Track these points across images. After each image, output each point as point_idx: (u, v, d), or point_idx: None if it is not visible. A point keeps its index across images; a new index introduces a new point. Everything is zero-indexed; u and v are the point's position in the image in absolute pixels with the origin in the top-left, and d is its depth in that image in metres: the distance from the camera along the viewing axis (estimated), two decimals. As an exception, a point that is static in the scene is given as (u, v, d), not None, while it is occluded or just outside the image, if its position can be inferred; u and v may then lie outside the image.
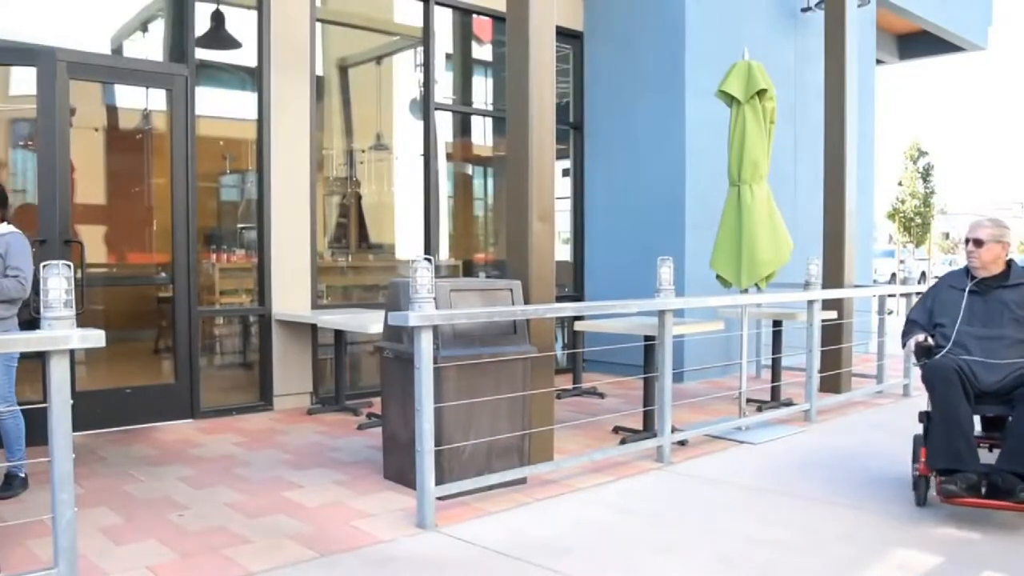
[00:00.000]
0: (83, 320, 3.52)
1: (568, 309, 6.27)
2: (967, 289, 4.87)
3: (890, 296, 10.44)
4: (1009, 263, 4.91)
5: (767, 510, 4.78)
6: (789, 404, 7.37)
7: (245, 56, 7.45)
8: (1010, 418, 4.48)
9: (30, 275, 4.78)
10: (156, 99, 7.05)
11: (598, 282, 9.87)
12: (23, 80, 6.29)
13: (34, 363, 4.90)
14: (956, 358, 4.63)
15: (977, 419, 4.66)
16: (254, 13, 7.35)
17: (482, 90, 9.97)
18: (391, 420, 5.27)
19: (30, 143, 6.43)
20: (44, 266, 3.22)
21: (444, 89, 9.17)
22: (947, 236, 61.40)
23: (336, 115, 8.73)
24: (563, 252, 9.95)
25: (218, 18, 7.35)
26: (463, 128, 9.71)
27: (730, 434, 6.52)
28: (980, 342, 4.69)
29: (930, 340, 4.85)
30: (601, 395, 8.28)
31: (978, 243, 4.87)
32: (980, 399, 4.56)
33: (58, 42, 6.34)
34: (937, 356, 4.74)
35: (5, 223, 4.93)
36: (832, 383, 7.98)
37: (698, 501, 4.99)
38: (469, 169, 10.16)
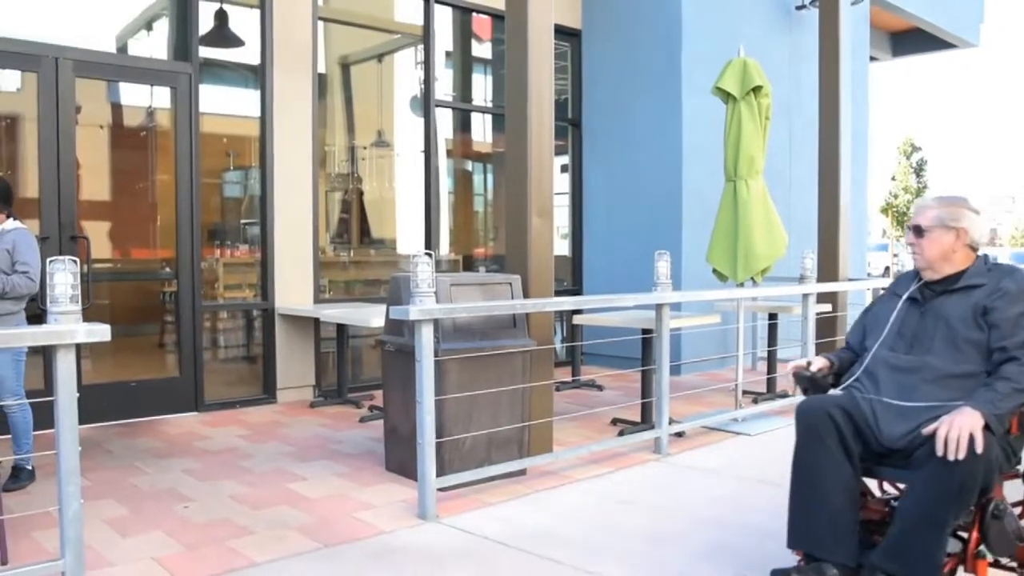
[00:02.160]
0: (89, 315, 3.48)
1: (567, 303, 6.28)
2: (904, 296, 3.44)
3: (883, 290, 10.46)
4: (982, 258, 3.40)
5: (764, 500, 4.73)
6: (784, 396, 7.42)
7: (248, 54, 7.50)
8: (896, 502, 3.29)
9: (38, 270, 4.79)
10: (160, 97, 7.08)
11: (596, 276, 9.92)
12: (29, 78, 6.34)
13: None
14: (863, 396, 3.32)
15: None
16: (257, 12, 7.40)
17: (482, 87, 10.00)
18: (392, 413, 5.29)
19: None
20: (50, 261, 3.23)
21: (444, 86, 9.21)
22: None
23: (338, 112, 8.75)
24: (562, 247, 9.98)
25: (221, 17, 7.40)
26: (463, 125, 9.74)
27: (727, 426, 6.55)
28: (895, 374, 3.27)
29: (820, 365, 3.59)
30: (599, 388, 8.30)
31: (918, 231, 3.37)
32: (884, 458, 3.21)
33: (64, 41, 6.38)
34: (837, 390, 3.49)
35: (12, 219, 4.94)
36: (827, 375, 7.99)
37: (695, 492, 4.97)
38: (469, 165, 10.19)
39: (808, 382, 3.58)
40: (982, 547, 3.05)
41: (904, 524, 2.97)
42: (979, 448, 2.83)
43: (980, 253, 3.39)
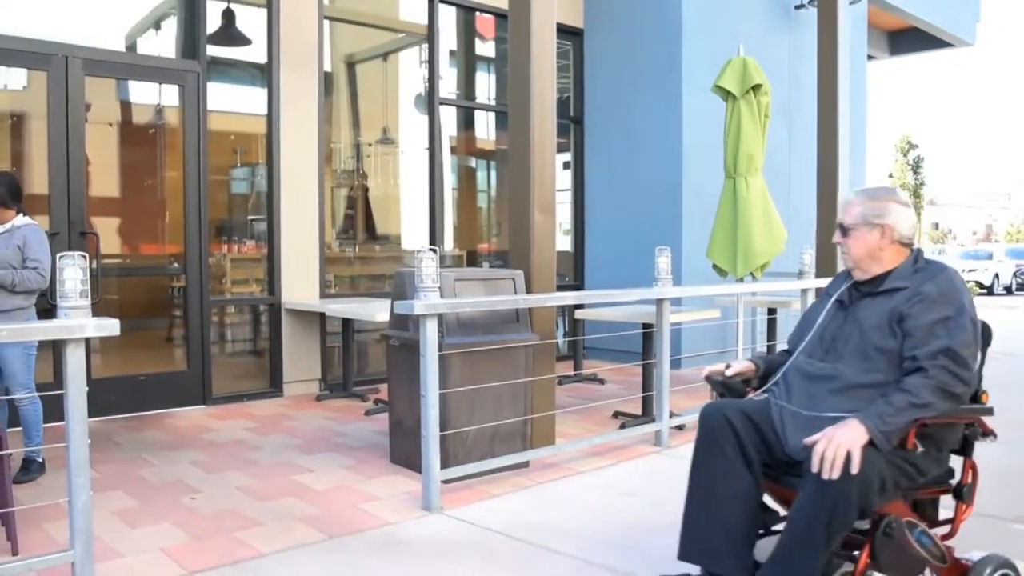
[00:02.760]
0: (98, 309, 3.52)
1: (569, 298, 6.31)
2: (834, 298, 3.23)
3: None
4: (912, 256, 3.09)
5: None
6: (783, 391, 7.46)
7: (255, 53, 7.53)
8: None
9: (48, 266, 4.81)
10: (169, 95, 7.11)
11: (598, 272, 9.96)
12: (40, 76, 6.38)
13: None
14: (775, 402, 3.14)
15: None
16: (264, 11, 7.43)
17: (485, 85, 10.04)
18: (397, 406, 5.30)
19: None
20: (60, 257, 3.23)
21: (448, 84, 9.25)
22: (936, 226, 61.19)
23: (343, 110, 8.79)
24: (564, 243, 10.02)
25: (229, 16, 7.43)
26: (467, 122, 9.79)
27: (725, 419, 6.61)
28: (806, 382, 3.07)
29: (741, 368, 3.38)
30: (601, 381, 8.32)
31: (843, 230, 3.16)
32: (791, 467, 2.97)
33: (74, 40, 6.43)
34: (758, 394, 3.30)
35: (22, 215, 4.95)
36: (825, 370, 8.02)
37: None
38: (472, 162, 10.24)
39: (721, 386, 3.40)
40: (870, 571, 2.82)
41: (784, 540, 2.78)
42: (854, 468, 2.62)
43: (915, 249, 3.14)
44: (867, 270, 3.11)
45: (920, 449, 2.86)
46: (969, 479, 3.06)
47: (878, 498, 2.76)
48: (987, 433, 3.00)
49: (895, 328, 2.93)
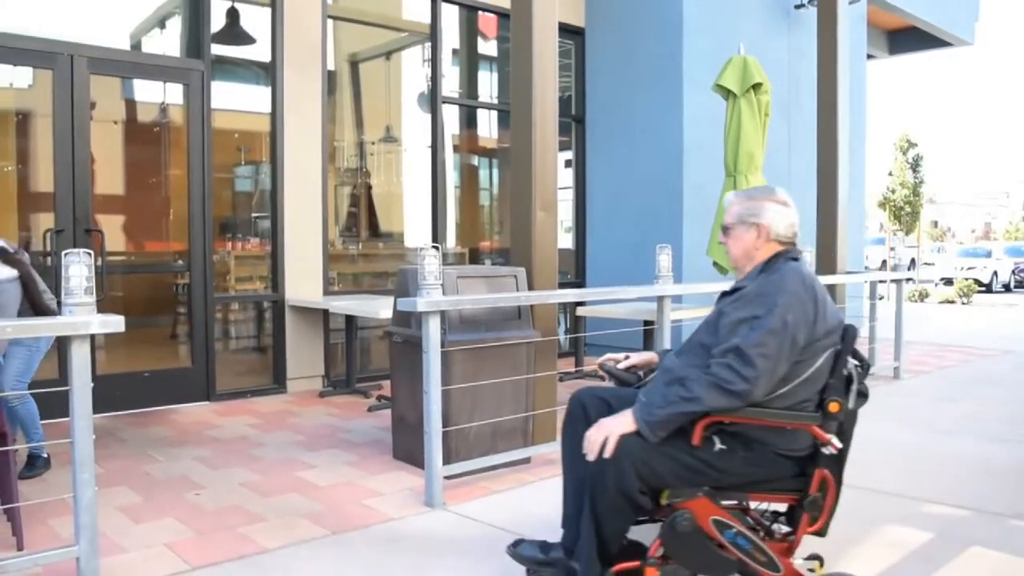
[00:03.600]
0: (103, 306, 3.51)
1: (570, 295, 6.30)
2: (719, 296, 3.22)
3: (881, 282, 10.50)
4: (774, 257, 3.07)
5: None
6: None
7: (259, 52, 7.56)
8: None
9: (44, 286, 4.72)
10: (173, 93, 7.13)
11: (599, 269, 9.98)
12: (45, 75, 6.41)
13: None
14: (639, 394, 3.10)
15: None
16: (268, 10, 7.45)
17: (487, 84, 10.06)
18: (400, 402, 5.30)
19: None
20: (65, 254, 3.23)
21: (451, 83, 9.26)
22: (936, 224, 61.13)
23: (347, 109, 8.82)
24: (565, 240, 10.02)
25: (233, 15, 7.45)
26: (469, 121, 9.82)
27: (726, 415, 6.64)
28: (658, 376, 3.13)
29: (643, 360, 3.52)
30: (602, 378, 8.28)
31: (724, 230, 3.20)
32: None
33: (79, 39, 6.45)
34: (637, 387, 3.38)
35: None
36: (825, 367, 8.05)
37: None
38: (475, 160, 10.28)
39: (611, 376, 3.50)
40: (654, 558, 2.87)
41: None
42: (607, 452, 2.77)
43: (785, 250, 3.09)
44: (744, 269, 3.14)
45: (719, 447, 2.86)
46: (816, 490, 2.89)
47: (641, 486, 2.79)
48: (824, 442, 2.84)
49: (715, 325, 3.01)
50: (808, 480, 2.92)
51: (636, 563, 2.88)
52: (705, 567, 2.87)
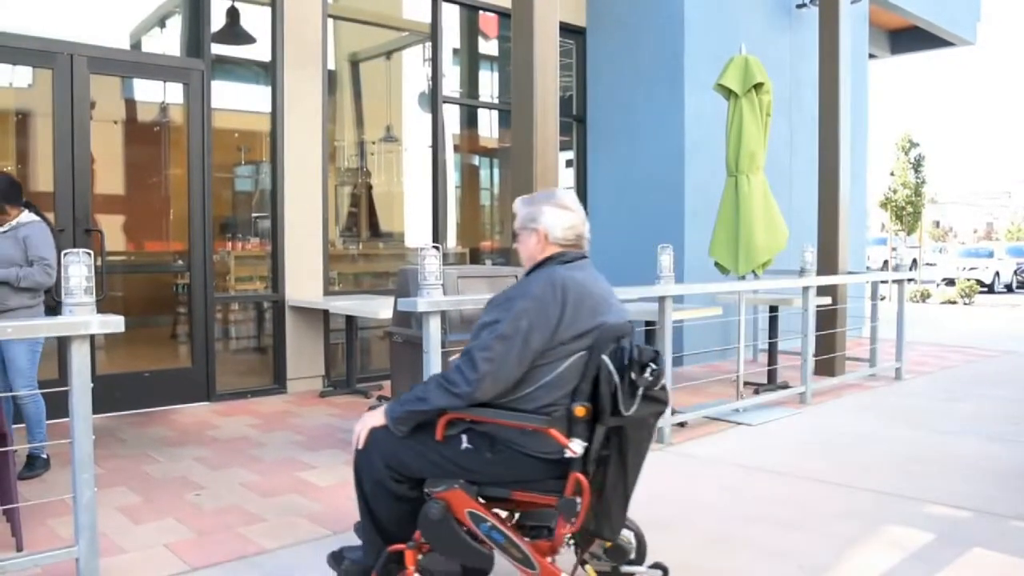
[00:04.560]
0: (103, 306, 3.52)
1: None
2: None
3: (882, 282, 10.50)
4: (546, 260, 3.13)
5: (764, 489, 4.78)
6: (785, 387, 7.49)
7: (259, 51, 7.55)
8: None
9: (54, 262, 4.77)
10: (173, 93, 7.12)
11: (600, 269, 9.74)
12: (45, 74, 6.40)
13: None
14: None
15: None
16: (268, 9, 7.45)
17: (488, 84, 10.05)
18: None
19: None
20: (65, 254, 3.24)
21: (451, 83, 9.26)
22: (937, 224, 61.12)
23: (347, 108, 8.82)
24: (566, 240, 10.02)
25: (233, 14, 7.45)
26: (470, 121, 9.81)
27: (728, 416, 6.61)
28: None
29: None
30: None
31: (514, 236, 3.28)
32: None
33: (79, 38, 6.45)
34: None
35: (28, 212, 4.94)
36: (826, 366, 8.06)
37: (698, 480, 5.01)
38: (476, 160, 10.27)
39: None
40: (414, 542, 3.00)
41: None
42: (359, 444, 3.04)
43: (558, 253, 3.16)
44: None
45: (465, 446, 2.95)
46: (571, 493, 2.84)
47: (393, 475, 2.97)
48: (563, 446, 2.80)
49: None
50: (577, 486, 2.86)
51: (404, 545, 3.01)
52: (459, 556, 2.97)
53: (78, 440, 3.25)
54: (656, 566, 3.26)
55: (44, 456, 5.04)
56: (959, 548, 3.86)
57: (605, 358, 2.79)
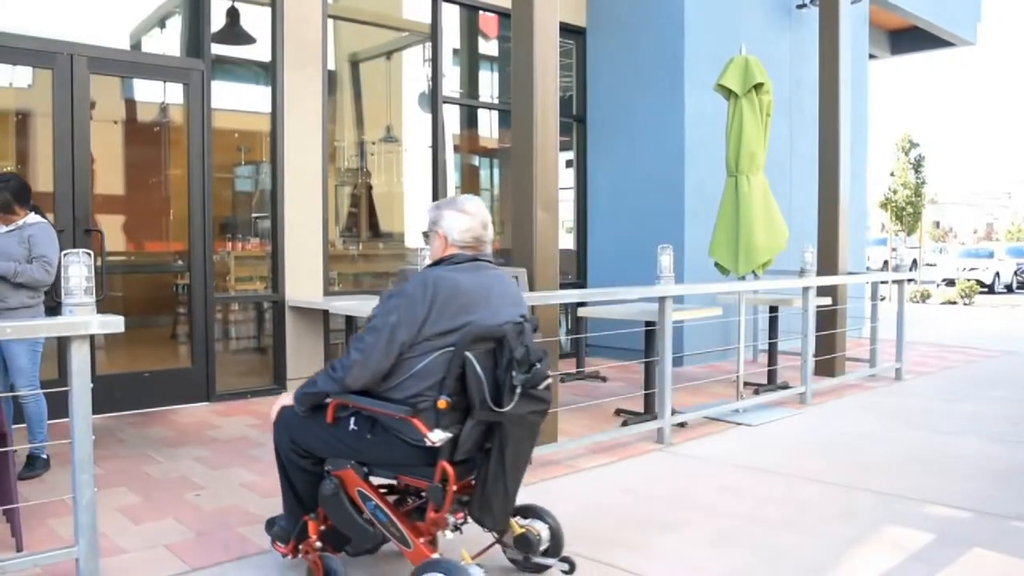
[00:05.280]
0: (103, 306, 3.55)
1: (571, 296, 6.29)
2: None
3: (882, 283, 10.50)
4: (439, 260, 3.36)
5: (764, 489, 4.79)
6: (785, 387, 7.49)
7: (259, 51, 7.55)
8: None
9: (55, 263, 4.80)
10: (173, 93, 7.12)
11: (600, 269, 9.98)
12: (45, 74, 6.40)
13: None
14: None
15: None
16: (268, 10, 7.45)
17: (488, 84, 10.05)
18: None
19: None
20: (65, 254, 3.26)
21: (452, 83, 9.25)
22: (937, 225, 61.09)
23: (347, 108, 8.82)
24: (566, 241, 10.00)
25: (233, 15, 7.44)
26: (470, 121, 9.81)
27: (728, 416, 6.62)
28: None
29: None
30: (603, 379, 8.32)
31: (425, 238, 3.54)
32: None
33: (79, 38, 6.44)
34: None
35: (34, 214, 4.98)
36: (826, 367, 8.07)
37: (698, 481, 5.02)
38: (476, 160, 10.27)
39: None
40: (315, 514, 3.34)
41: None
42: (271, 420, 3.41)
43: (467, 252, 3.35)
44: None
45: (352, 427, 3.22)
46: (438, 480, 3.03)
47: (298, 450, 3.32)
48: (422, 434, 3.00)
49: None
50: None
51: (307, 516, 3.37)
52: (351, 531, 3.24)
53: (78, 440, 3.25)
54: (564, 560, 3.43)
55: (44, 456, 5.05)
56: (959, 548, 3.86)
57: (469, 355, 2.98)
